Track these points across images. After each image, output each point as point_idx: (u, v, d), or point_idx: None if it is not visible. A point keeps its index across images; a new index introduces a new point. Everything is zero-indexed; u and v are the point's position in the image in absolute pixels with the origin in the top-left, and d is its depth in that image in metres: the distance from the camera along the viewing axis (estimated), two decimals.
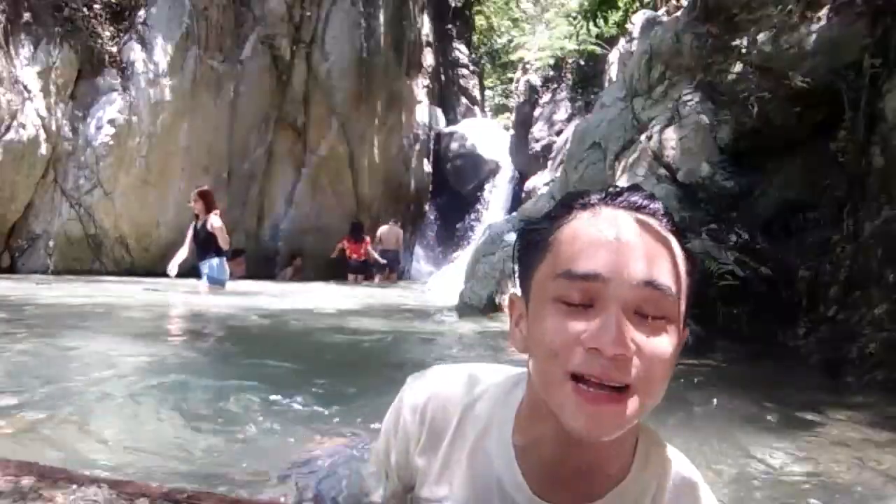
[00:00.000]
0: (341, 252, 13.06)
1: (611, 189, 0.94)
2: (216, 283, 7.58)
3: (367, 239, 13.22)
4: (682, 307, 0.89)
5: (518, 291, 0.95)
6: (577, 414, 0.82)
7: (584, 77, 17.61)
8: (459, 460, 0.97)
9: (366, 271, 13.19)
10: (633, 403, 0.82)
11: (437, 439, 0.99)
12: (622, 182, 5.41)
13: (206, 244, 7.62)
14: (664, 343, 0.84)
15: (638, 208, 0.91)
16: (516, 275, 0.95)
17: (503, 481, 0.94)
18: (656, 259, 0.86)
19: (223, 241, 7.57)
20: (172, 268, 7.66)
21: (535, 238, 0.92)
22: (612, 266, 0.83)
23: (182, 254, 7.81)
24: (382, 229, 14.01)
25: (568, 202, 0.93)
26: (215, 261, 7.60)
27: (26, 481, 0.98)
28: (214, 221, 7.51)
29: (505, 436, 0.95)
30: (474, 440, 0.97)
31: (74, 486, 0.97)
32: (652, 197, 0.93)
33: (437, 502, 0.98)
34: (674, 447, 0.98)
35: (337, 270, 13.43)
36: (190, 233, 7.89)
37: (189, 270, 7.98)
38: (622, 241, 0.85)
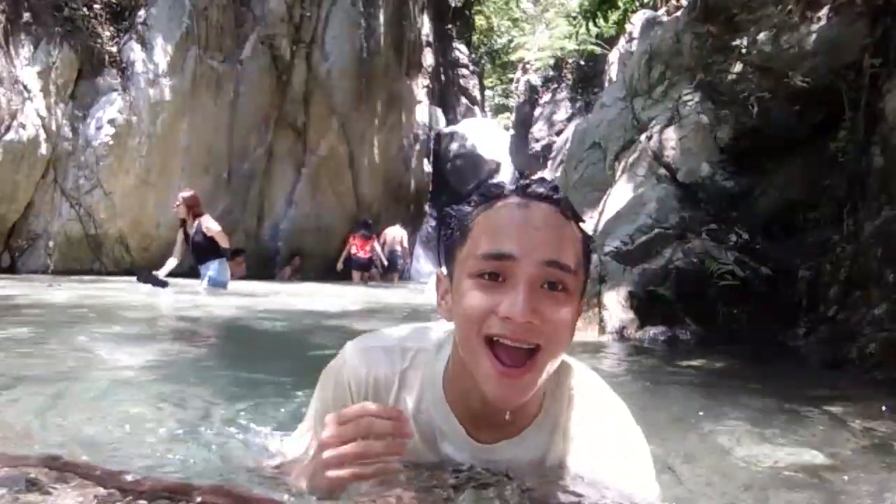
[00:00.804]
0: (347, 250, 13.14)
1: (521, 182, 1.08)
2: (218, 284, 7.57)
3: (374, 237, 13.31)
4: (581, 281, 1.04)
5: (444, 270, 1.10)
6: (489, 381, 0.99)
7: (584, 77, 17.63)
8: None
9: (370, 269, 13.23)
10: (540, 363, 0.99)
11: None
12: (622, 182, 5.41)
13: (205, 247, 7.61)
14: (565, 312, 1.00)
15: (544, 198, 1.05)
16: (442, 256, 1.11)
17: (443, 430, 1.11)
18: (559, 241, 1.01)
19: (224, 242, 7.58)
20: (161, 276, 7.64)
21: (457, 224, 1.07)
22: (522, 247, 0.99)
23: (172, 263, 7.78)
24: (388, 230, 14.07)
25: (485, 193, 1.07)
26: (216, 263, 7.59)
27: (30, 478, 0.98)
28: (211, 225, 7.52)
29: (437, 394, 1.11)
30: (414, 404, 1.12)
31: (74, 480, 0.97)
32: (556, 188, 1.08)
33: None
34: (591, 374, 1.14)
35: (337, 270, 13.44)
36: (180, 237, 7.87)
37: (188, 271, 7.98)
38: (530, 226, 1.01)
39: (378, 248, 13.30)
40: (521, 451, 1.10)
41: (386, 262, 13.58)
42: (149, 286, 7.24)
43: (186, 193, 7.81)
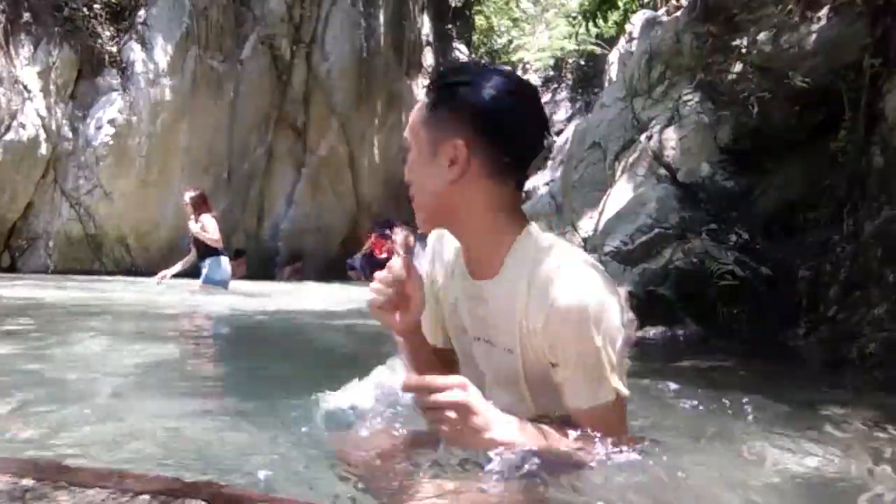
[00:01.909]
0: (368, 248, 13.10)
1: None
2: (212, 282, 7.55)
3: (393, 238, 13.24)
4: (423, 132, 1.31)
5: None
6: None
7: (584, 77, 17.64)
8: (440, 267, 1.47)
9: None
10: (415, 202, 1.35)
11: (431, 264, 1.50)
12: (622, 182, 5.41)
13: (197, 246, 7.73)
14: (411, 161, 1.35)
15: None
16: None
17: (455, 267, 1.40)
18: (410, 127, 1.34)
19: (209, 241, 7.58)
20: (165, 275, 7.72)
21: None
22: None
23: (189, 260, 7.90)
24: (396, 230, 14.02)
25: None
26: (210, 260, 7.62)
27: (27, 481, 0.98)
28: (206, 222, 7.59)
29: (454, 244, 1.40)
30: (444, 252, 1.46)
31: (77, 487, 0.97)
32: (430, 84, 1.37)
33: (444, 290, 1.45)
34: (564, 245, 1.29)
35: (337, 271, 13.43)
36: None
37: (192, 271, 8.01)
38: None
39: (396, 248, 13.20)
40: (499, 294, 1.29)
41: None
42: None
43: (192, 193, 7.84)
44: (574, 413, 1.27)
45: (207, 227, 7.54)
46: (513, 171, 1.28)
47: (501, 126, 1.23)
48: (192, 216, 7.59)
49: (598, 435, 1.25)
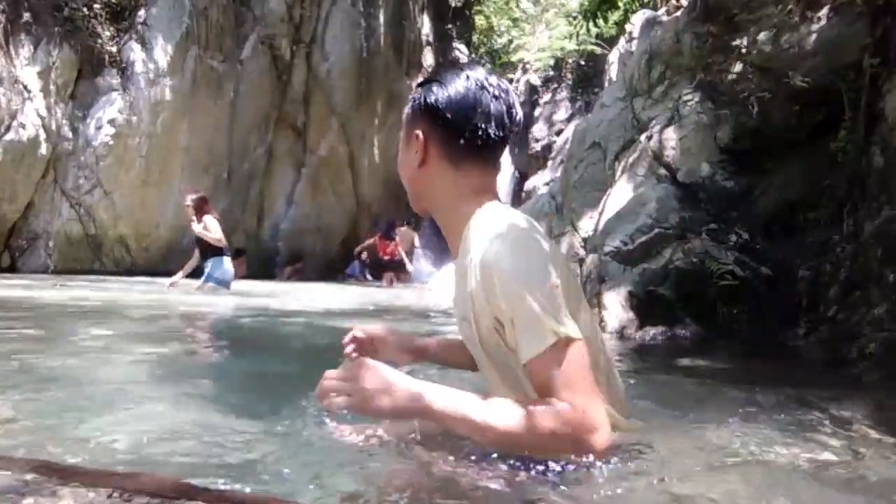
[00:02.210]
0: (371, 249, 13.16)
1: None
2: (215, 282, 7.61)
3: (398, 239, 13.29)
4: (407, 132, 1.52)
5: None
6: None
7: (584, 77, 17.63)
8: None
9: (397, 269, 13.15)
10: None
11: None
12: (622, 182, 5.41)
13: (200, 247, 7.80)
14: (400, 154, 1.54)
15: None
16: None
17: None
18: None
19: (212, 241, 7.65)
20: (175, 281, 7.80)
21: None
22: None
23: (188, 266, 7.98)
24: (400, 230, 14.05)
25: None
26: (212, 260, 7.69)
27: (30, 477, 0.98)
28: (195, 227, 7.66)
29: None
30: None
31: (74, 481, 0.97)
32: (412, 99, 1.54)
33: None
34: (499, 210, 1.40)
35: (338, 272, 13.44)
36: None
37: (196, 271, 8.05)
38: None
39: (401, 249, 13.24)
40: (459, 268, 1.43)
41: (411, 265, 13.47)
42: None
43: (193, 195, 7.90)
44: (528, 372, 1.27)
45: (210, 227, 7.62)
46: (470, 156, 1.43)
47: (449, 118, 1.42)
48: (194, 218, 7.66)
49: (540, 404, 1.23)
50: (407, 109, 1.54)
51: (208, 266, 7.69)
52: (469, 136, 1.42)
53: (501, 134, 1.44)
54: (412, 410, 1.26)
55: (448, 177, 1.45)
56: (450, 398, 1.26)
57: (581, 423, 1.20)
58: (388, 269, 12.84)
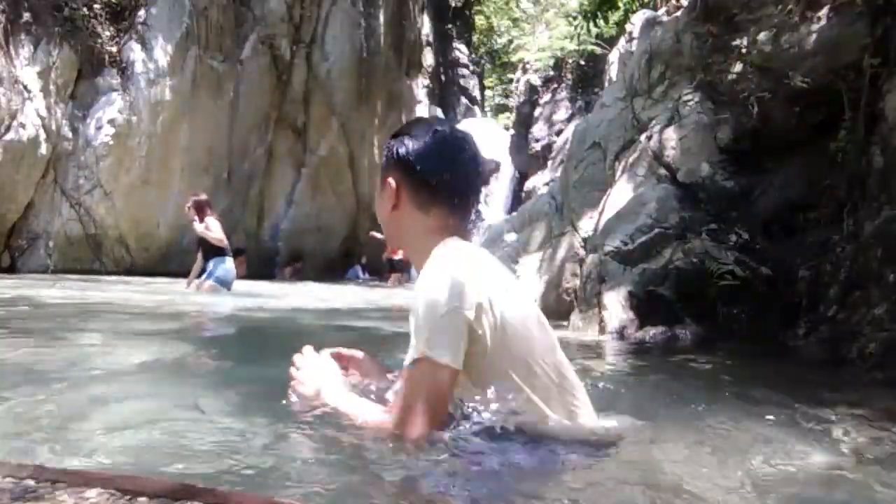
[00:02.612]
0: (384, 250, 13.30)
1: None
2: (217, 281, 7.65)
3: None
4: (383, 180, 1.68)
5: None
6: None
7: (584, 77, 17.63)
8: None
9: (407, 271, 13.30)
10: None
11: None
12: (622, 182, 5.41)
13: (203, 248, 7.85)
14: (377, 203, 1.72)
15: None
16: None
17: None
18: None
19: (214, 241, 7.69)
20: (191, 281, 7.92)
21: None
22: None
23: (196, 268, 8.05)
24: None
25: None
26: (214, 260, 7.73)
27: (27, 482, 0.98)
28: (197, 227, 7.71)
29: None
30: None
31: (77, 487, 0.97)
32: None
33: None
34: (451, 248, 1.52)
35: (338, 271, 13.44)
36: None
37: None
38: None
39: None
40: None
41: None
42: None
43: (195, 198, 7.94)
44: None
45: (212, 228, 7.66)
46: (437, 202, 1.60)
47: (417, 169, 1.59)
48: (196, 219, 7.69)
49: (386, 411, 1.51)
50: (382, 158, 1.71)
51: (210, 265, 7.74)
52: (436, 184, 1.59)
53: (466, 181, 1.63)
54: (327, 404, 1.62)
55: (418, 220, 1.61)
56: (341, 399, 1.61)
57: (392, 434, 1.44)
58: (400, 269, 13.07)
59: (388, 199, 1.63)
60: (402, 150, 1.62)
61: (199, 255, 7.95)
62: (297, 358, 1.75)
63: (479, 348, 1.42)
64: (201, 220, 7.71)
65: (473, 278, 1.45)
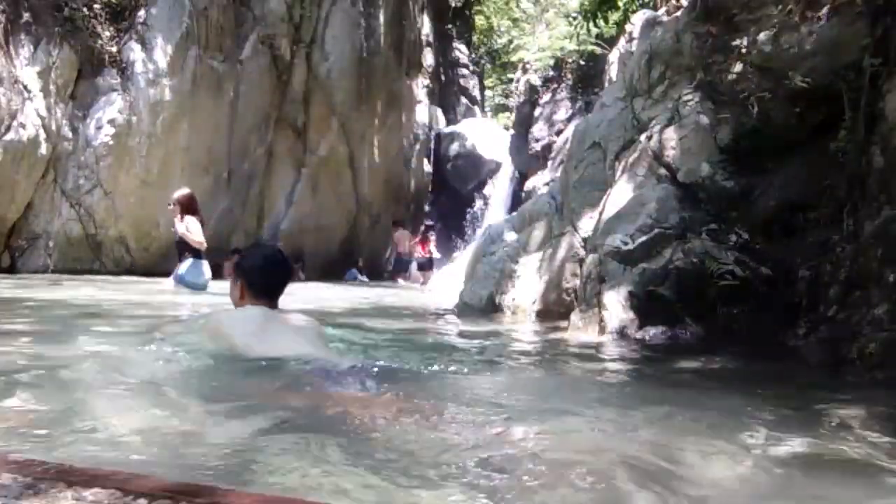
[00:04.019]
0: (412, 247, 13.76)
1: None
2: (185, 284, 7.54)
3: (432, 238, 14.05)
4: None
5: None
6: None
7: (584, 77, 17.61)
8: None
9: (431, 268, 13.69)
10: None
11: None
12: (622, 182, 5.40)
13: (179, 247, 7.78)
14: (231, 289, 3.12)
15: None
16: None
17: None
18: None
19: (193, 243, 7.58)
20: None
21: None
22: None
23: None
24: (399, 233, 14.24)
25: None
26: (187, 262, 7.62)
27: (27, 481, 0.98)
28: (178, 227, 7.61)
29: None
30: None
31: (77, 487, 0.97)
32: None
33: None
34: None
35: (337, 272, 13.44)
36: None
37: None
38: None
39: (433, 248, 14.03)
40: None
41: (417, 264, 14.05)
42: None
43: (180, 193, 7.84)
44: None
45: (191, 229, 7.54)
46: (259, 293, 2.86)
47: (246, 275, 2.88)
48: (178, 216, 7.60)
49: None
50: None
51: (181, 268, 7.62)
52: (258, 284, 2.87)
53: (274, 283, 2.92)
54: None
55: (253, 302, 2.84)
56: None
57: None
58: (423, 267, 13.54)
59: (238, 291, 2.89)
60: (244, 263, 2.97)
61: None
62: None
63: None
64: (182, 218, 7.59)
65: (218, 319, 2.90)
